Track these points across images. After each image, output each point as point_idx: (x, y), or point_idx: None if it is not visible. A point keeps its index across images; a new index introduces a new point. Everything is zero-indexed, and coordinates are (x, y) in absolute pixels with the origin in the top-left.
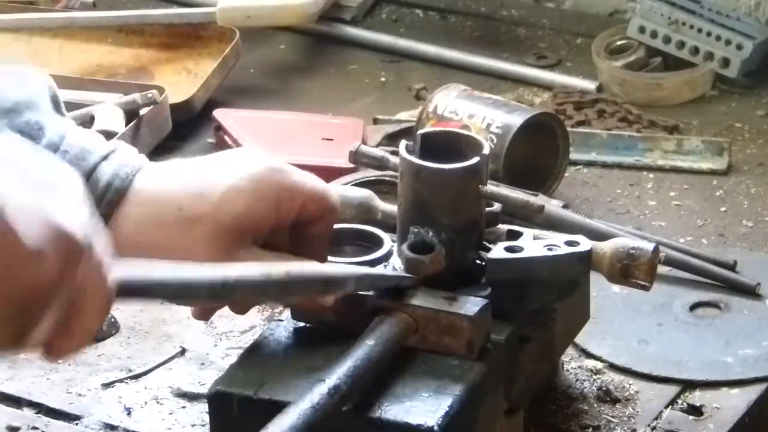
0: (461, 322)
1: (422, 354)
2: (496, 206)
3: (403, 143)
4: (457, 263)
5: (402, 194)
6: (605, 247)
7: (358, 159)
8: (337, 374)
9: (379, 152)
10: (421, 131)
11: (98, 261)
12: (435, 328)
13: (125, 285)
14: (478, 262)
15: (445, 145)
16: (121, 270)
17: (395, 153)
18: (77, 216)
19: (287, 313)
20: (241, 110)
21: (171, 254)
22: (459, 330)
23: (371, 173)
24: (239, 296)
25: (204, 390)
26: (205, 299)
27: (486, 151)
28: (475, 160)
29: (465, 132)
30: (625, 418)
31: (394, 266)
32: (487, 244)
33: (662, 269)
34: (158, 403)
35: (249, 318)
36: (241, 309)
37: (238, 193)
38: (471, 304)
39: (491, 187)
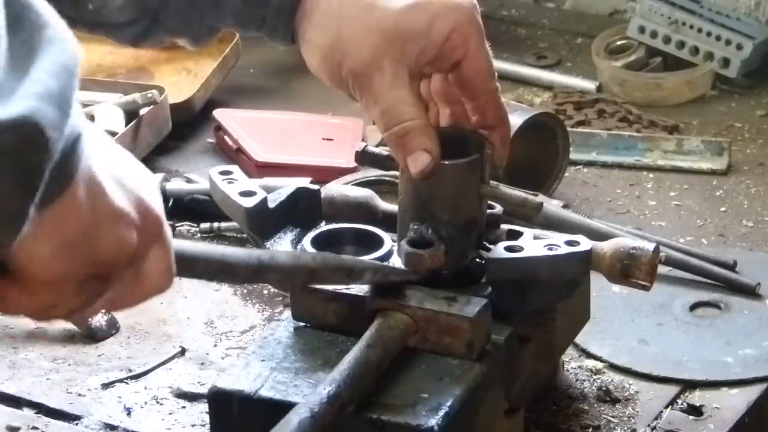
0: (461, 323)
1: (422, 354)
2: (498, 209)
3: None
4: (457, 261)
5: (402, 190)
6: (605, 247)
7: (364, 158)
8: (336, 381)
9: (384, 152)
10: None
11: (168, 241)
12: (435, 329)
13: (178, 257)
14: (477, 260)
15: (449, 142)
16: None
17: None
18: (157, 197)
19: (287, 313)
20: (241, 110)
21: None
22: (459, 331)
23: (372, 173)
24: (272, 277)
25: (204, 390)
26: (242, 278)
27: (488, 149)
28: (476, 156)
29: (468, 130)
30: (625, 418)
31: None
32: (487, 244)
33: (662, 269)
34: (158, 403)
35: (249, 318)
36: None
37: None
38: (471, 305)
39: (491, 184)
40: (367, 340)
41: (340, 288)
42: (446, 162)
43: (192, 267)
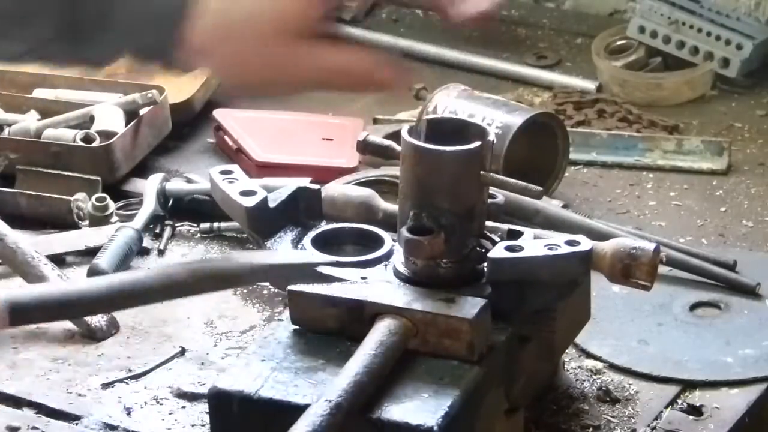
0: (461, 325)
1: (422, 353)
2: (500, 198)
3: (405, 126)
4: (457, 249)
5: (403, 178)
6: (606, 247)
7: (366, 148)
8: (338, 391)
9: (386, 141)
10: (427, 117)
11: None
12: (435, 331)
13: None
14: (478, 249)
15: (452, 131)
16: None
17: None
18: None
19: (288, 312)
20: (241, 110)
21: None
22: (459, 333)
23: (371, 173)
24: (132, 303)
25: (204, 390)
26: (99, 311)
27: (490, 137)
28: (476, 144)
29: (471, 119)
30: (625, 418)
31: (395, 266)
32: (488, 233)
33: (662, 269)
34: (158, 403)
35: (249, 318)
36: None
37: None
38: (470, 306)
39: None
40: (368, 345)
41: (339, 293)
42: (447, 149)
43: (28, 316)
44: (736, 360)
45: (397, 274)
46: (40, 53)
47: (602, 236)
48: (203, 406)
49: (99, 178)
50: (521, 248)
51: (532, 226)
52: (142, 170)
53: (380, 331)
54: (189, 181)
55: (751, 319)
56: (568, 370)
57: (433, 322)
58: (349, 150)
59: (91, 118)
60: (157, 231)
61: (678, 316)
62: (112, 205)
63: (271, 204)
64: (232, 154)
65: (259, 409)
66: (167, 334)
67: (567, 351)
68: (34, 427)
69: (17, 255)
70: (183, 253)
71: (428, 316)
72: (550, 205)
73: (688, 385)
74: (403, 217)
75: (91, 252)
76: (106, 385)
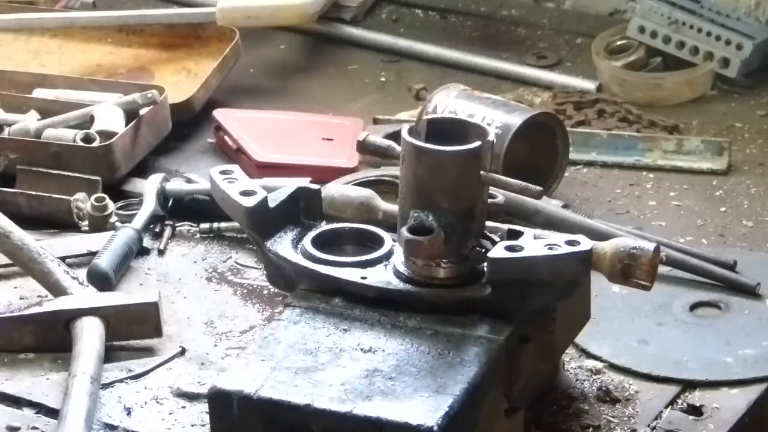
0: (148, 309)
1: (422, 354)
2: (500, 198)
3: (405, 126)
4: (457, 249)
5: (403, 178)
6: (606, 247)
7: (366, 148)
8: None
9: (386, 141)
10: (427, 117)
11: None
12: (125, 319)
13: None
14: (478, 249)
15: (452, 131)
16: None
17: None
18: None
19: (287, 313)
20: (241, 110)
21: None
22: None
23: (371, 173)
24: None
25: (204, 390)
26: None
27: (490, 137)
28: (476, 144)
29: (471, 119)
30: (625, 418)
31: (395, 266)
32: (488, 234)
33: (662, 269)
34: (158, 403)
35: (249, 318)
36: None
37: None
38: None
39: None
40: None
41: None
42: (447, 149)
43: None
44: (736, 360)
45: (397, 274)
46: None
47: (602, 236)
48: (203, 406)
49: (99, 178)
50: (521, 248)
51: (532, 226)
52: (142, 170)
53: (85, 334)
54: (189, 181)
55: (751, 319)
56: (568, 370)
57: (123, 312)
58: (349, 150)
59: (91, 118)
60: (157, 231)
61: (678, 316)
62: (111, 205)
63: (271, 204)
64: (232, 154)
65: (258, 409)
66: (167, 334)
67: (567, 351)
68: (34, 427)
69: (23, 252)
70: (183, 253)
71: (118, 308)
72: (550, 205)
73: (688, 385)
74: (403, 217)
75: (92, 252)
76: (106, 385)
